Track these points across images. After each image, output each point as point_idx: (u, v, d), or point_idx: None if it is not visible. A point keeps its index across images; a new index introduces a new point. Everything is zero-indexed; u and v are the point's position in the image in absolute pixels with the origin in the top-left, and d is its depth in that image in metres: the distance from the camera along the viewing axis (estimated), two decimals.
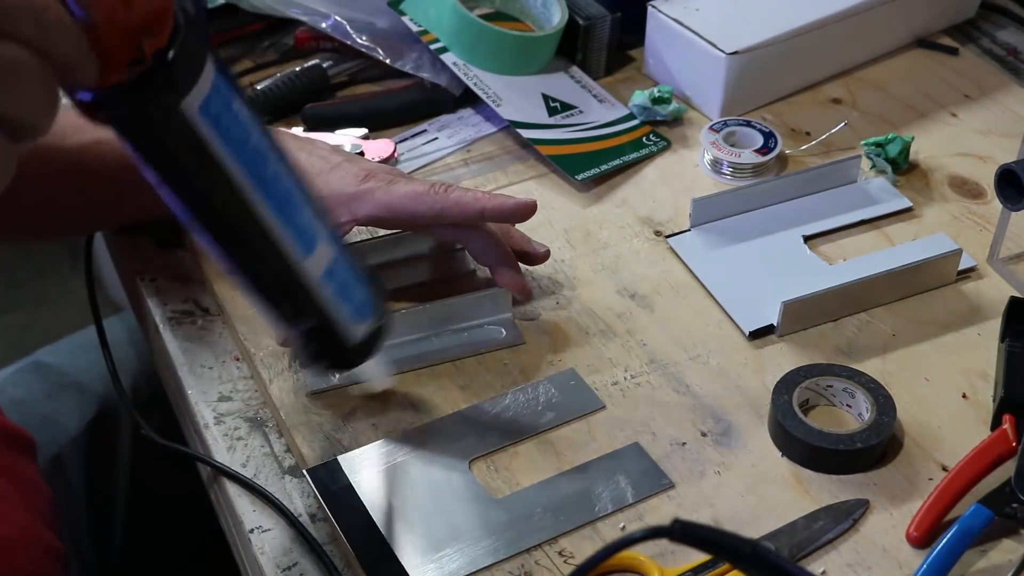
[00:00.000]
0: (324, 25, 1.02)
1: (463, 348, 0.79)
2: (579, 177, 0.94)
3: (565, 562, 0.67)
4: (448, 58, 1.00)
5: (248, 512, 0.71)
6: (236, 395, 0.78)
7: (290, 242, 0.58)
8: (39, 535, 0.76)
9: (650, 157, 0.98)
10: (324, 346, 0.63)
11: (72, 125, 0.67)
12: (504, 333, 0.80)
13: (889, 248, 0.88)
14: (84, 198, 0.84)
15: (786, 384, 0.75)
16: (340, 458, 0.72)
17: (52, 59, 0.45)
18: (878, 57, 1.10)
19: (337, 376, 0.76)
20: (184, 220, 0.57)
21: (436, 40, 1.00)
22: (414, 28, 1.01)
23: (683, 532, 0.47)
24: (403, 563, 0.66)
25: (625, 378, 0.78)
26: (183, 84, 0.51)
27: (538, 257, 0.83)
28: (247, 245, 0.58)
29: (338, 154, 0.81)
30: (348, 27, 1.02)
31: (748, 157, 0.94)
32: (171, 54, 0.49)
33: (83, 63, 0.47)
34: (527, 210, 0.80)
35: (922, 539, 0.67)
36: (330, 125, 0.98)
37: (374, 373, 0.69)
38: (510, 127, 0.97)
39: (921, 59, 1.10)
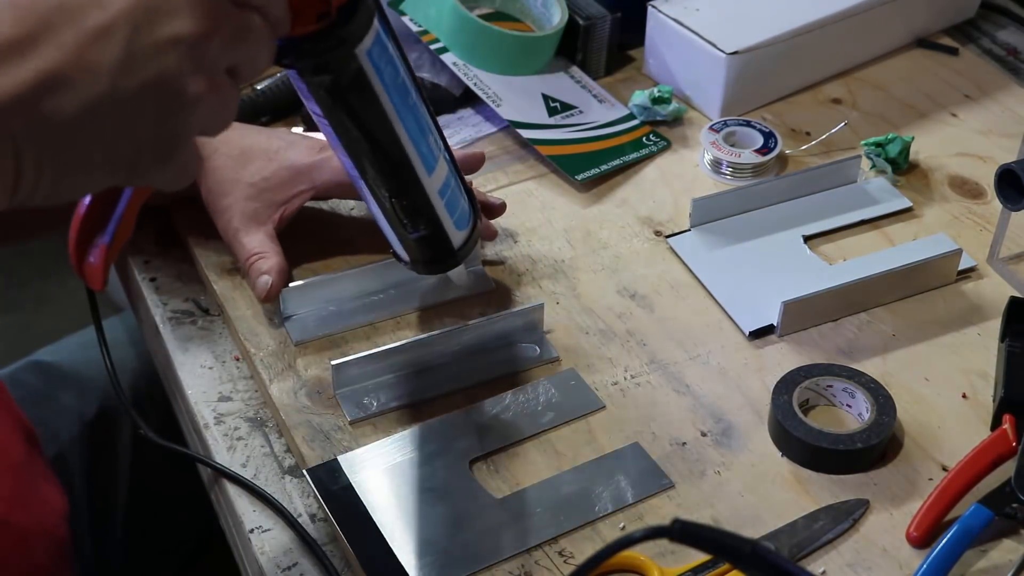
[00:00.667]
0: None
1: (501, 367, 0.78)
2: (579, 177, 0.94)
3: (565, 562, 0.67)
4: (448, 58, 0.99)
5: (248, 512, 0.71)
6: (236, 395, 0.78)
7: (421, 161, 0.66)
8: (53, 528, 0.77)
9: (650, 157, 0.98)
10: (435, 251, 0.72)
11: None
12: (538, 351, 0.79)
13: (889, 248, 0.88)
14: None
15: (786, 384, 0.75)
16: (340, 458, 0.72)
17: (268, 19, 0.52)
18: (878, 57, 1.10)
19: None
20: (334, 146, 0.65)
21: (436, 40, 1.00)
22: (414, 28, 1.01)
23: (683, 532, 0.47)
24: (403, 563, 0.66)
25: (625, 378, 0.78)
26: (359, 34, 0.57)
27: (496, 208, 0.87)
28: (388, 165, 0.65)
29: (293, 135, 0.86)
30: None
31: (748, 157, 0.94)
32: (352, 8, 0.55)
33: (285, 19, 0.53)
34: (476, 160, 0.88)
35: (922, 539, 0.67)
36: None
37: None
38: (510, 127, 0.97)
39: (921, 59, 1.10)
